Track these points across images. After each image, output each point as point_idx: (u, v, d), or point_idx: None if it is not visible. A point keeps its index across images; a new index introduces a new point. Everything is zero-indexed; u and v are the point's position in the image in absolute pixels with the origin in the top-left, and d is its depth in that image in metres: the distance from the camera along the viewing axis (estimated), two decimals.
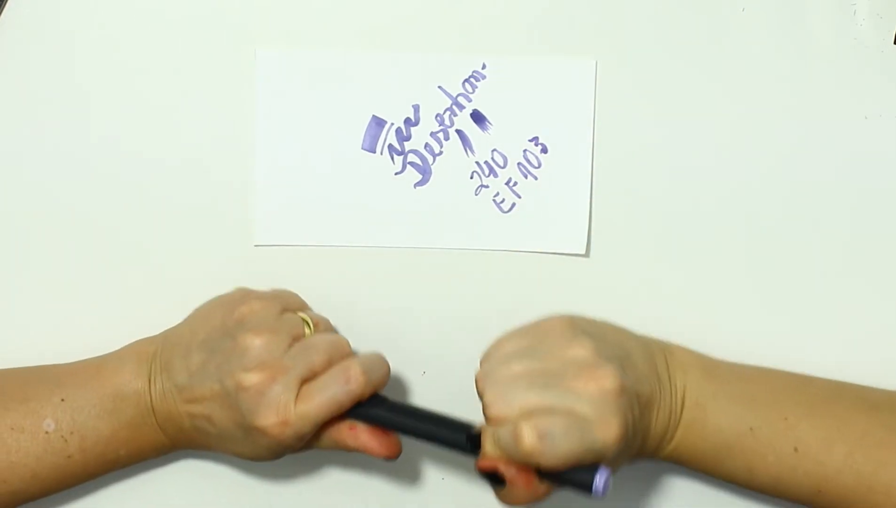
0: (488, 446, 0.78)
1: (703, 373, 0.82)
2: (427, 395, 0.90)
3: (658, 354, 0.82)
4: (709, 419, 0.81)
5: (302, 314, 0.83)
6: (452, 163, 0.86)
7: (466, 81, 0.87)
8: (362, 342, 0.89)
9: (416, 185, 0.88)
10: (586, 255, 0.88)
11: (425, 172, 0.88)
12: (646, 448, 0.81)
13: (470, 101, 0.88)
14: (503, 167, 0.88)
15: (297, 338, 0.81)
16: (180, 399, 0.81)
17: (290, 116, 0.87)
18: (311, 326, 0.83)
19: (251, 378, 0.79)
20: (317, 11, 0.87)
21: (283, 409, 0.79)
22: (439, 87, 0.87)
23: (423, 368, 0.91)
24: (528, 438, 0.75)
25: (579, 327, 0.79)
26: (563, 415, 0.75)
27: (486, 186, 0.87)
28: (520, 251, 0.88)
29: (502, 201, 0.88)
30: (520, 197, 0.88)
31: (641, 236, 0.89)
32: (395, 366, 0.89)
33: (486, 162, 0.88)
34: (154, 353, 0.83)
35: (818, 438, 0.80)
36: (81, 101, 0.87)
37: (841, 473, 0.80)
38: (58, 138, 0.87)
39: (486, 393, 0.78)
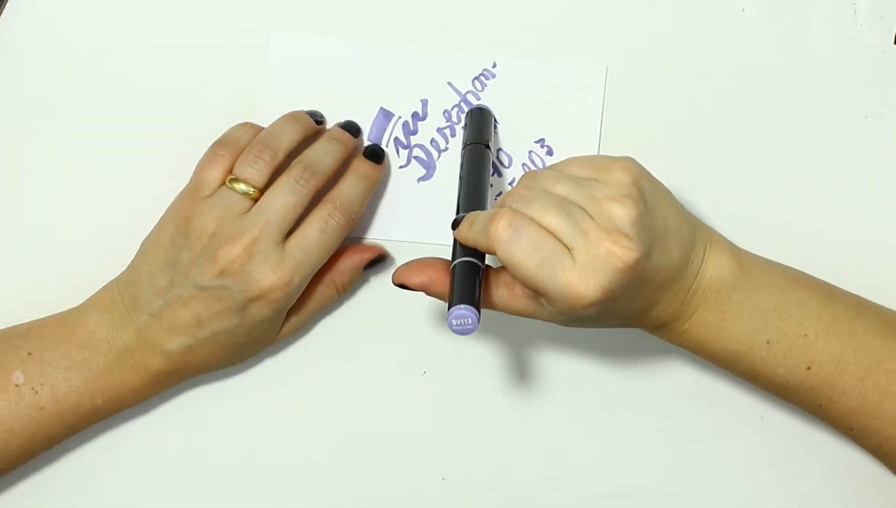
0: (464, 226, 0.75)
1: (735, 278, 0.79)
2: (427, 395, 0.90)
3: (700, 246, 0.79)
4: (726, 326, 0.79)
5: (236, 185, 0.82)
6: (457, 160, 0.85)
7: (476, 78, 0.87)
8: (361, 342, 0.90)
9: (419, 179, 0.88)
10: None
11: (430, 168, 0.88)
12: (639, 323, 0.79)
13: (479, 99, 0.88)
14: (507, 167, 0.88)
15: (247, 207, 0.81)
16: (161, 326, 0.81)
17: (298, 105, 0.86)
18: (252, 189, 0.81)
19: (230, 252, 0.80)
20: (331, 2, 0.87)
21: (278, 265, 0.80)
22: (449, 83, 0.87)
23: (424, 368, 0.90)
24: (502, 221, 0.72)
25: (640, 185, 0.75)
26: (554, 238, 0.72)
27: (490, 186, 0.87)
28: None
29: None
30: None
31: None
32: (396, 366, 0.90)
33: (490, 161, 0.88)
34: (113, 300, 0.83)
35: (833, 358, 0.79)
36: (73, 86, 0.87)
37: (846, 395, 0.80)
38: (59, 126, 0.87)
39: (519, 188, 0.75)
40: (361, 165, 0.85)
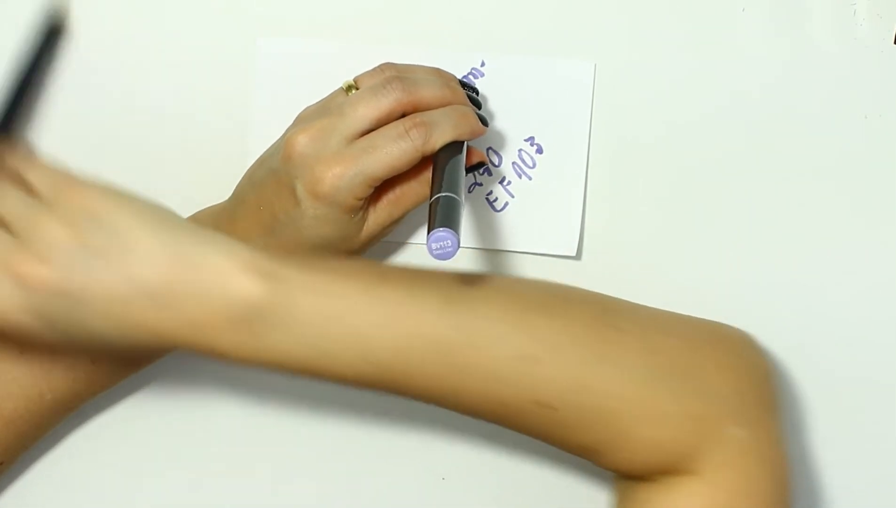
0: None
1: (264, 295, 0.71)
2: None
3: (207, 269, 0.70)
4: (281, 347, 0.71)
5: (347, 81, 0.81)
6: None
7: (465, 77, 0.87)
8: None
9: None
10: (577, 257, 0.88)
11: None
12: (134, 345, 0.72)
13: None
14: (497, 166, 0.88)
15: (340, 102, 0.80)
16: (247, 212, 0.81)
17: (287, 107, 0.85)
18: (357, 88, 0.80)
19: (296, 136, 0.78)
20: (318, 3, 0.87)
21: (333, 157, 0.77)
22: None
23: None
24: None
25: (78, 206, 0.71)
26: None
27: (480, 184, 0.87)
28: (510, 251, 0.88)
29: (495, 199, 0.88)
30: (513, 197, 0.88)
31: (633, 241, 0.89)
32: None
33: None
34: (225, 203, 0.84)
35: (394, 347, 0.72)
36: (72, 87, 0.87)
37: (417, 380, 0.74)
38: (46, 126, 0.88)
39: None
40: (465, 109, 0.82)
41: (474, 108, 0.83)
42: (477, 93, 0.85)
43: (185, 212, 0.85)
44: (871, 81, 0.88)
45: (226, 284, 0.70)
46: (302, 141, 0.78)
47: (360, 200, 0.79)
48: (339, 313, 0.72)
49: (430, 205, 0.75)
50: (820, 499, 0.90)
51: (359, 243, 0.82)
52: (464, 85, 0.85)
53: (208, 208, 0.85)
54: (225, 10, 0.87)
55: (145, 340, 0.71)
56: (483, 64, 0.87)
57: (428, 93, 0.80)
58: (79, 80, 0.87)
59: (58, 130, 0.87)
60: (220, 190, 0.85)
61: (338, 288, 0.72)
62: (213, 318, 0.70)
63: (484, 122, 0.82)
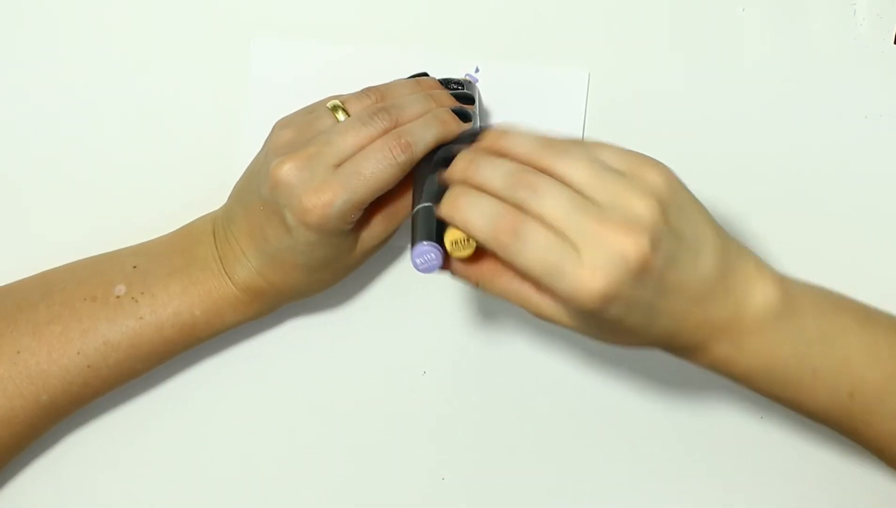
0: (455, 206, 0.72)
1: (781, 305, 0.74)
2: (427, 395, 0.90)
3: (742, 270, 0.74)
4: (774, 354, 0.75)
5: (333, 102, 0.80)
6: None
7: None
8: (361, 342, 0.90)
9: None
10: None
11: None
12: (673, 342, 0.74)
13: None
14: None
15: (327, 127, 0.80)
16: (242, 233, 0.81)
17: (282, 108, 0.84)
18: (345, 111, 0.80)
19: (281, 166, 0.77)
20: (313, 4, 0.87)
21: (321, 186, 0.77)
22: None
23: (424, 368, 0.90)
24: (505, 226, 0.70)
25: (672, 189, 0.71)
26: (559, 239, 0.69)
27: None
28: None
29: None
30: None
31: None
32: (396, 366, 0.90)
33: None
34: (219, 213, 0.83)
35: (875, 387, 0.77)
36: (68, 90, 0.87)
37: (885, 421, 0.78)
38: (42, 129, 0.88)
39: (527, 174, 0.71)
40: (444, 113, 0.81)
41: (457, 103, 0.82)
42: (462, 86, 0.84)
43: (179, 213, 0.85)
44: (871, 81, 0.88)
45: (763, 289, 0.74)
46: (288, 169, 0.77)
47: (351, 223, 0.79)
48: (837, 338, 0.77)
49: (412, 218, 0.75)
50: None
51: (355, 258, 0.82)
52: (450, 82, 0.84)
53: (200, 221, 0.85)
54: (219, 11, 0.87)
55: (680, 341, 0.74)
56: (477, 70, 0.87)
57: (413, 114, 0.80)
58: (74, 79, 0.87)
59: (54, 131, 0.87)
60: (213, 191, 0.85)
61: (839, 318, 0.77)
62: (749, 319, 0.74)
63: (466, 117, 0.81)
